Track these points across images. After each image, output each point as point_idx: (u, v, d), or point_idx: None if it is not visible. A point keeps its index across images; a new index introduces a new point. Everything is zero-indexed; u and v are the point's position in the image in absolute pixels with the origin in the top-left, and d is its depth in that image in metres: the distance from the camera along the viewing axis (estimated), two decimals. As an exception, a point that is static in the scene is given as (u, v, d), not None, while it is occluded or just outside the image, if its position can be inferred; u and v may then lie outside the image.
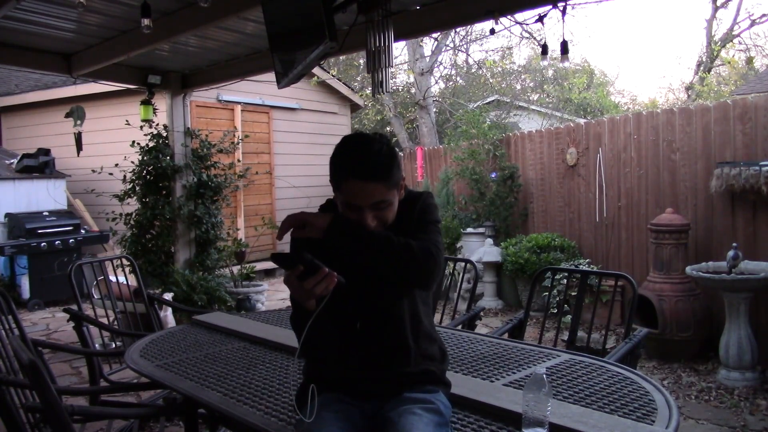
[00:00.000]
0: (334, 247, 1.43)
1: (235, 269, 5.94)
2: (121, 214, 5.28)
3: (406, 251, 1.42)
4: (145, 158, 5.27)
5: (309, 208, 1.69)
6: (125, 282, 3.83)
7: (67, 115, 5.72)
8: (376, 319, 1.54)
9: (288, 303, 1.55)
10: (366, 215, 1.45)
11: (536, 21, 3.21)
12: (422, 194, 1.60)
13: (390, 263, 1.42)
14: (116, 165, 5.55)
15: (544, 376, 1.40)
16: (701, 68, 14.53)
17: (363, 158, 1.46)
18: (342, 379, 1.55)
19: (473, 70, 14.33)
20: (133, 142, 5.37)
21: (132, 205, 5.40)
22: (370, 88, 3.56)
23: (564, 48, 3.17)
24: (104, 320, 3.68)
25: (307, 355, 1.62)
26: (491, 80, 14.22)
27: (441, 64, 13.43)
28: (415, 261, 1.42)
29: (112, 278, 3.84)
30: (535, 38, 11.45)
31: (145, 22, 3.02)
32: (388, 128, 12.53)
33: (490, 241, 6.35)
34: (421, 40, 11.16)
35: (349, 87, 10.46)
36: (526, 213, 6.63)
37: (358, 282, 1.52)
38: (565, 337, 3.70)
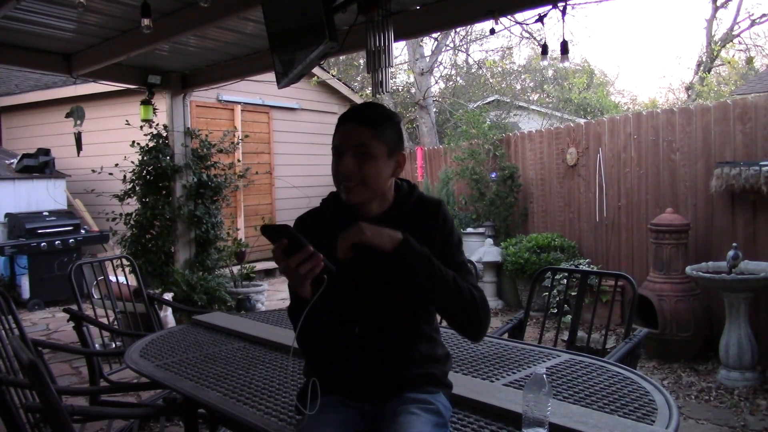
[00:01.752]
0: (399, 262, 1.41)
1: (235, 269, 5.94)
2: (121, 214, 5.28)
3: (472, 300, 1.44)
4: (145, 158, 5.27)
5: (309, 208, 1.68)
6: (125, 282, 3.83)
7: (67, 115, 5.71)
8: (381, 323, 1.53)
9: (288, 303, 1.54)
10: (346, 158, 1.44)
11: (536, 21, 3.21)
12: (440, 203, 1.56)
13: (455, 304, 1.44)
14: (116, 165, 5.55)
15: (544, 376, 1.40)
16: (701, 68, 14.53)
17: (361, 107, 1.48)
18: (342, 380, 1.54)
19: (473, 70, 14.33)
20: (133, 142, 5.37)
21: (132, 205, 5.40)
22: (370, 88, 3.56)
23: (564, 48, 3.18)
24: (104, 320, 3.68)
25: (308, 356, 1.61)
26: (491, 80, 14.22)
27: (441, 64, 13.44)
28: (476, 313, 1.45)
29: (112, 278, 3.84)
30: (535, 38, 11.46)
31: (145, 22, 3.02)
32: (388, 128, 12.51)
33: (490, 241, 6.35)
34: (421, 40, 11.16)
35: (349, 87, 10.46)
36: (526, 213, 6.63)
37: (364, 285, 1.51)
38: (565, 337, 3.70)
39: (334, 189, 1.56)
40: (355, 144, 1.44)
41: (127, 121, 5.66)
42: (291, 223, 1.47)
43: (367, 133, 1.44)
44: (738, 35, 14.59)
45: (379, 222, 1.47)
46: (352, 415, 1.50)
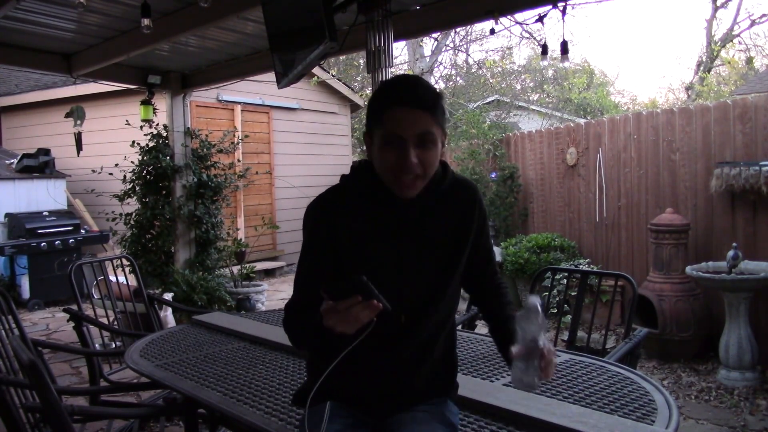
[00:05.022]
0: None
1: (235, 269, 5.94)
2: (121, 214, 5.28)
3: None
4: (145, 158, 5.27)
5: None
6: (125, 282, 3.83)
7: (67, 115, 5.71)
8: (416, 340, 1.41)
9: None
10: (409, 151, 1.28)
11: (536, 21, 3.22)
12: (476, 189, 1.48)
13: None
14: (116, 165, 5.55)
15: (538, 305, 1.26)
16: (701, 68, 14.55)
17: (412, 86, 1.32)
18: (355, 389, 1.43)
19: (473, 70, 14.34)
20: (133, 142, 5.37)
21: (132, 205, 5.40)
22: (370, 88, 3.55)
23: (564, 48, 3.18)
24: (104, 320, 3.68)
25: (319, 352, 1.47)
26: (491, 80, 14.23)
27: (441, 64, 13.45)
28: None
29: (112, 278, 3.84)
30: (535, 38, 11.46)
31: (145, 22, 3.02)
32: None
33: (490, 241, 6.34)
34: (421, 40, 11.18)
35: (349, 87, 10.46)
36: (526, 213, 6.63)
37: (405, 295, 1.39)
38: (565, 337, 3.70)
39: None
40: (419, 133, 1.29)
41: (127, 121, 5.66)
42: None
43: (428, 119, 1.29)
44: (738, 35, 14.61)
45: (415, 203, 1.38)
46: (357, 425, 1.41)
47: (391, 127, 1.29)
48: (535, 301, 1.26)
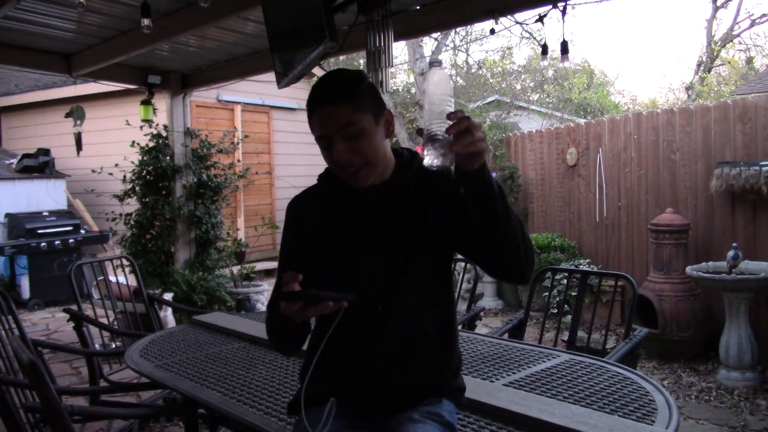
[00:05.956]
0: (478, 181, 1.21)
1: (235, 269, 5.93)
2: (121, 214, 5.28)
3: (522, 226, 1.29)
4: (145, 158, 5.27)
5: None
6: (125, 282, 3.83)
7: (67, 115, 5.71)
8: (403, 333, 1.40)
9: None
10: (336, 144, 1.31)
11: (536, 21, 3.22)
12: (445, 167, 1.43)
13: (515, 229, 1.26)
14: (116, 165, 5.55)
15: (442, 65, 1.18)
16: (701, 68, 14.55)
17: (326, 84, 1.34)
18: (344, 393, 1.41)
19: (473, 70, 14.34)
20: (133, 142, 5.37)
21: (132, 205, 5.40)
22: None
23: (564, 48, 3.18)
24: (104, 320, 3.68)
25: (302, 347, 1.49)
26: (491, 80, 14.22)
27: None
28: (526, 241, 1.30)
29: (112, 278, 3.84)
30: (535, 38, 11.46)
31: (145, 22, 3.02)
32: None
33: (490, 241, 6.33)
34: (421, 40, 11.14)
35: (349, 87, 10.43)
36: (526, 213, 6.63)
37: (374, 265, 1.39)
38: (565, 337, 3.70)
39: None
40: (340, 127, 1.30)
41: (127, 121, 5.66)
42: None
43: (346, 109, 1.30)
44: (738, 35, 14.62)
45: (382, 191, 1.39)
46: (351, 428, 1.40)
47: (316, 130, 1.34)
48: (437, 61, 1.21)
